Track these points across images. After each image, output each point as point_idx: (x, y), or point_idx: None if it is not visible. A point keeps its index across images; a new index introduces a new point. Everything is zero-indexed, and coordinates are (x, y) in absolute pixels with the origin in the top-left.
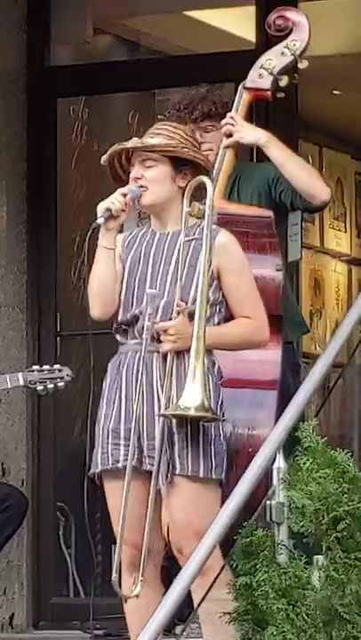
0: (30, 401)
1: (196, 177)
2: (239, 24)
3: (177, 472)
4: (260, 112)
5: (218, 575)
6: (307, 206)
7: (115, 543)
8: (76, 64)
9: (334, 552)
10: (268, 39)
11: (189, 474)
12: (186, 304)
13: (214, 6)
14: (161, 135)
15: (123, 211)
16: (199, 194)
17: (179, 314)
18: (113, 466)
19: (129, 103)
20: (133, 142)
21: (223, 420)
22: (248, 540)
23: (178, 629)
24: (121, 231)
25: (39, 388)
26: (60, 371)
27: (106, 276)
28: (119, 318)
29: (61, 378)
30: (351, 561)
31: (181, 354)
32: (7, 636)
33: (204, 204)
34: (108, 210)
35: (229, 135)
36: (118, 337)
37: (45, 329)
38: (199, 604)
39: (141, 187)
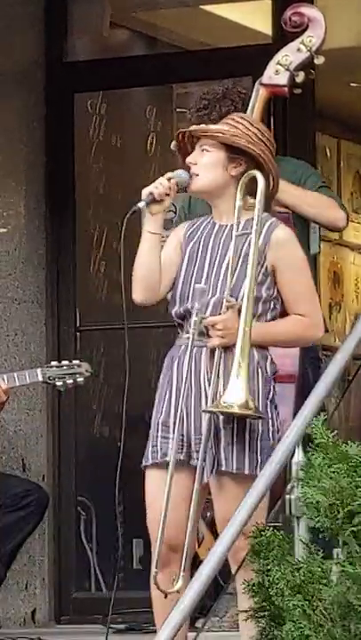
0: (50, 396)
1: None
2: (256, 18)
3: (222, 468)
4: (277, 106)
5: (239, 567)
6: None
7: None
8: (94, 59)
9: (351, 546)
10: (284, 33)
11: (234, 471)
12: (237, 300)
13: (231, 0)
14: (226, 124)
15: (167, 195)
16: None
17: (228, 309)
18: (162, 459)
19: (147, 97)
20: (192, 127)
21: (275, 417)
22: (257, 539)
23: (199, 623)
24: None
25: (58, 383)
26: (79, 366)
27: (150, 261)
28: (174, 311)
29: (80, 373)
30: None
31: (230, 349)
32: (29, 631)
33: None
34: (151, 194)
35: None
36: (178, 329)
37: (65, 324)
38: (236, 572)
39: (192, 172)
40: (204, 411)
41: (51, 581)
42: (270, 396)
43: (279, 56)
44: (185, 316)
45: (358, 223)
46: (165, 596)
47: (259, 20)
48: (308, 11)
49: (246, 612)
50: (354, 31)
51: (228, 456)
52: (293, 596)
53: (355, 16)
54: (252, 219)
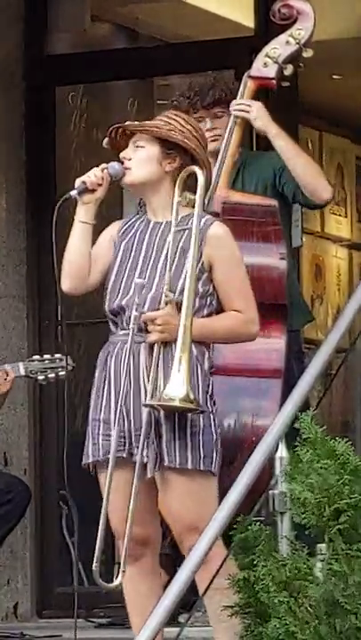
0: (32, 390)
1: (188, 166)
2: (238, 10)
3: (165, 464)
4: (260, 97)
5: (221, 566)
6: (308, 202)
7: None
8: (75, 52)
9: (336, 544)
10: (267, 26)
11: (177, 466)
12: (174, 295)
13: None
14: (160, 120)
15: (99, 185)
16: (194, 183)
17: (167, 304)
18: (104, 457)
19: (128, 91)
20: (125, 123)
21: (214, 411)
22: (243, 534)
23: (182, 618)
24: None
25: (40, 377)
26: (60, 360)
27: (79, 250)
28: (106, 307)
29: (62, 367)
30: (353, 552)
31: (169, 344)
32: (12, 626)
33: (192, 195)
34: (83, 183)
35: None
36: (110, 326)
37: (46, 318)
38: (203, 594)
39: (125, 168)
40: (144, 405)
41: (33, 576)
42: (209, 390)
43: (268, 48)
44: (119, 312)
45: (340, 215)
46: (105, 592)
47: (241, 12)
48: (297, 3)
49: (232, 607)
50: (337, 23)
51: (170, 451)
52: (279, 593)
53: (338, 8)
54: (188, 215)
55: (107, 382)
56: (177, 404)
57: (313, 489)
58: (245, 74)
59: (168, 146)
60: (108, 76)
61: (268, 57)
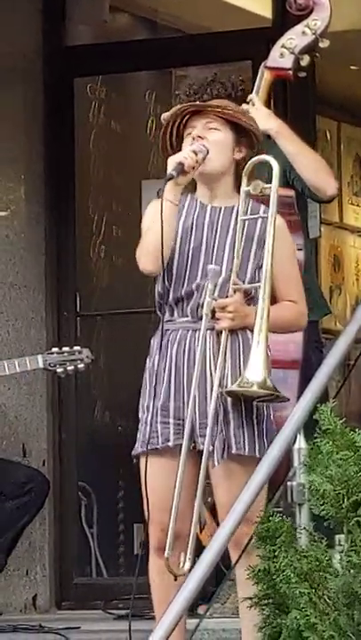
0: (51, 382)
1: (259, 155)
2: (255, 1)
3: (233, 451)
4: (277, 89)
5: (241, 553)
6: (315, 198)
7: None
8: (94, 43)
9: (355, 535)
10: (284, 16)
11: (246, 454)
12: (243, 283)
13: None
14: (229, 105)
15: (193, 168)
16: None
17: (235, 292)
18: (163, 445)
19: (146, 82)
20: (200, 103)
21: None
22: (265, 525)
23: (201, 609)
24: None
25: (59, 370)
26: (79, 352)
27: (169, 230)
28: (170, 292)
29: (81, 359)
30: None
31: (235, 332)
32: (30, 617)
33: (265, 184)
34: (181, 164)
35: None
36: (161, 313)
37: (65, 310)
38: (222, 583)
39: (204, 147)
40: (225, 392)
41: (51, 567)
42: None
43: (284, 39)
44: (183, 297)
45: (358, 206)
46: (175, 579)
47: (259, 3)
48: None
49: (251, 599)
50: (354, 14)
51: (239, 439)
52: (300, 584)
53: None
54: (246, 203)
55: (167, 369)
56: (255, 388)
57: (332, 480)
58: (262, 64)
59: (240, 133)
60: (126, 68)
61: (285, 47)
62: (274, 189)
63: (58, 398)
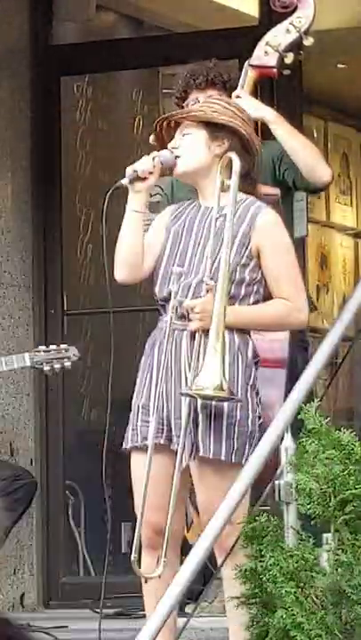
0: (38, 380)
1: (242, 147)
2: (243, 0)
3: (200, 453)
4: (264, 87)
5: (228, 553)
6: (308, 186)
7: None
8: (80, 42)
9: (342, 534)
10: (271, 15)
11: (211, 456)
12: (216, 282)
13: None
14: (203, 104)
15: (150, 173)
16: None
17: (208, 292)
18: (142, 443)
19: (133, 80)
20: (169, 113)
21: (256, 403)
22: (251, 525)
23: (189, 608)
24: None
25: (46, 368)
26: (66, 350)
27: (133, 240)
28: (156, 294)
29: (68, 357)
30: (359, 542)
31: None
32: (18, 616)
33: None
34: (135, 171)
35: None
36: (160, 312)
37: (52, 308)
38: (221, 566)
39: (176, 157)
40: (181, 393)
41: (39, 566)
42: (251, 381)
43: (268, 37)
44: (167, 298)
45: (345, 205)
46: (145, 581)
47: (246, 2)
48: None
49: (238, 598)
50: (342, 12)
51: (205, 441)
52: (286, 583)
53: None
54: (241, 201)
55: (150, 368)
56: (209, 392)
57: (318, 479)
58: (246, 63)
59: (215, 129)
60: (113, 66)
61: (269, 45)
62: (233, 185)
63: (45, 397)
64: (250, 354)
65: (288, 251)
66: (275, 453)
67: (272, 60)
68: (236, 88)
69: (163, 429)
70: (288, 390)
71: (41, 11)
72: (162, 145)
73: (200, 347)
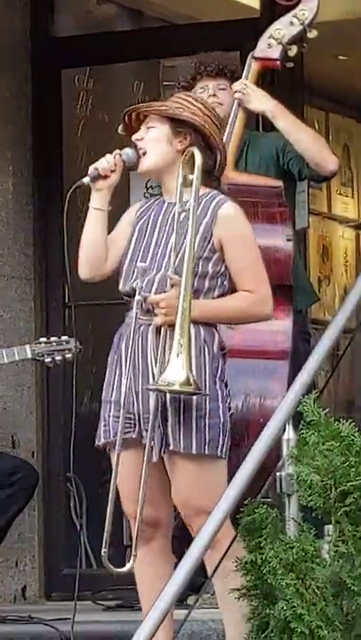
0: (39, 373)
1: (204, 144)
2: None
3: (170, 448)
4: (265, 78)
5: (229, 547)
6: (314, 176)
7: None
8: (80, 34)
9: (343, 525)
10: (272, 7)
11: (182, 450)
12: (180, 277)
13: None
14: (170, 100)
15: (112, 171)
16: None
17: (172, 286)
18: (114, 438)
19: (134, 72)
20: (134, 106)
21: (225, 394)
22: (250, 517)
23: (190, 600)
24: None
25: (47, 360)
26: (67, 342)
27: (95, 237)
28: (120, 289)
29: (69, 349)
30: (360, 534)
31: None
32: (20, 608)
33: (190, 175)
34: (96, 169)
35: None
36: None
37: (53, 300)
38: (212, 576)
39: (139, 149)
40: (147, 389)
41: (40, 558)
42: (218, 373)
43: (272, 29)
44: (131, 293)
45: (347, 196)
46: (116, 577)
47: None
48: None
49: (238, 590)
50: (343, 4)
51: (175, 435)
52: (286, 575)
53: None
54: (203, 195)
55: (117, 364)
56: (176, 387)
57: (319, 471)
58: (250, 55)
59: (178, 124)
60: (113, 58)
61: (273, 38)
62: (195, 180)
63: (46, 389)
64: (216, 346)
65: (250, 243)
66: (275, 445)
67: (276, 53)
68: (238, 80)
69: (134, 424)
70: (290, 382)
71: (41, 3)
72: (131, 135)
73: (166, 341)
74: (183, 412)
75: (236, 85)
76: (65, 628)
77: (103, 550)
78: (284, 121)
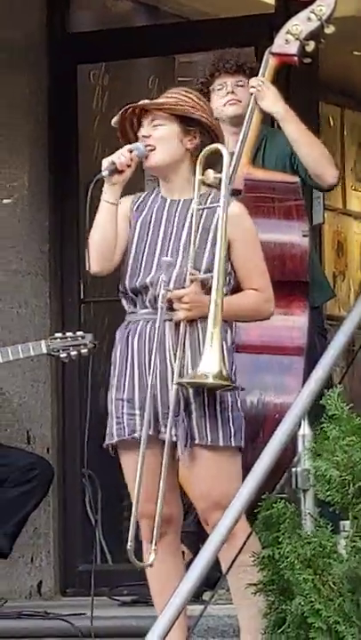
0: (54, 368)
1: (212, 144)
2: None
3: (196, 442)
4: (280, 74)
5: (245, 543)
6: (316, 186)
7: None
8: (96, 30)
9: (360, 521)
10: (287, 2)
11: (209, 443)
12: (199, 273)
13: None
14: (172, 97)
15: (128, 166)
16: (212, 160)
17: (192, 282)
18: (130, 436)
19: (149, 68)
20: (142, 102)
21: (242, 389)
22: (268, 512)
23: (206, 596)
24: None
25: (62, 355)
26: (82, 337)
27: (107, 231)
28: (127, 285)
29: (85, 345)
30: None
31: (194, 322)
32: (35, 604)
33: (220, 172)
34: (113, 163)
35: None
36: (125, 304)
37: (69, 296)
38: (227, 572)
39: (148, 145)
40: (177, 383)
41: (56, 554)
42: (234, 367)
43: (289, 25)
44: (140, 290)
45: None
46: (145, 569)
47: None
48: None
49: (255, 585)
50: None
51: (201, 429)
52: (304, 570)
53: None
54: (206, 193)
55: (129, 361)
56: (210, 380)
57: (338, 466)
58: (267, 50)
59: (188, 123)
60: (129, 54)
61: (290, 34)
62: (224, 178)
63: (62, 385)
64: (230, 340)
65: (256, 242)
66: (292, 441)
67: (293, 49)
68: (256, 76)
69: (150, 421)
70: (306, 378)
71: None
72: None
73: (185, 337)
74: (207, 406)
75: (253, 81)
76: (80, 623)
77: (129, 544)
78: (292, 126)
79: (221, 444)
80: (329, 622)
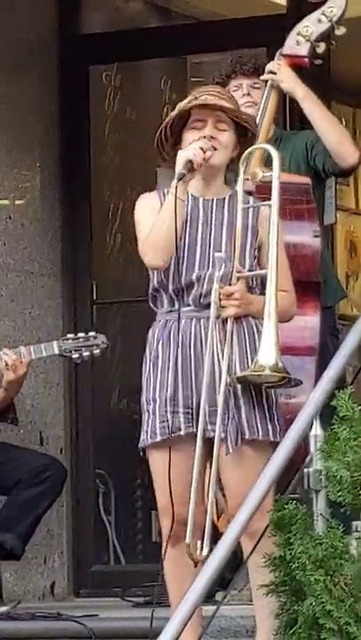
0: (67, 369)
1: (259, 144)
2: None
3: (246, 437)
4: None
5: (260, 538)
6: (336, 169)
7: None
8: (108, 31)
9: None
10: (299, 3)
11: (260, 438)
12: (245, 270)
13: None
14: (232, 100)
15: (200, 165)
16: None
17: (238, 280)
18: (175, 434)
19: (161, 69)
20: (221, 102)
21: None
22: (280, 513)
23: (219, 596)
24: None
25: (74, 356)
26: (95, 338)
27: (173, 226)
28: (169, 283)
29: (97, 345)
30: None
31: (240, 319)
32: (48, 605)
33: (265, 172)
34: (190, 162)
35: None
36: (160, 303)
37: (81, 297)
38: (247, 558)
39: (212, 145)
40: (237, 378)
41: (69, 555)
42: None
43: (300, 27)
44: (183, 288)
45: None
46: (195, 565)
47: None
48: None
49: (267, 585)
50: None
51: (251, 424)
52: (315, 571)
53: None
54: (234, 194)
55: (172, 359)
56: (268, 372)
57: (349, 467)
58: (278, 52)
59: (242, 134)
60: (141, 55)
61: (301, 35)
62: (275, 177)
63: (75, 386)
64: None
65: (283, 245)
66: (304, 441)
67: (304, 50)
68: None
69: (193, 419)
70: (318, 379)
71: (68, 0)
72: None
73: (233, 334)
74: (257, 402)
75: (270, 65)
76: (93, 624)
77: (188, 539)
78: (312, 106)
79: (272, 438)
80: (340, 623)
